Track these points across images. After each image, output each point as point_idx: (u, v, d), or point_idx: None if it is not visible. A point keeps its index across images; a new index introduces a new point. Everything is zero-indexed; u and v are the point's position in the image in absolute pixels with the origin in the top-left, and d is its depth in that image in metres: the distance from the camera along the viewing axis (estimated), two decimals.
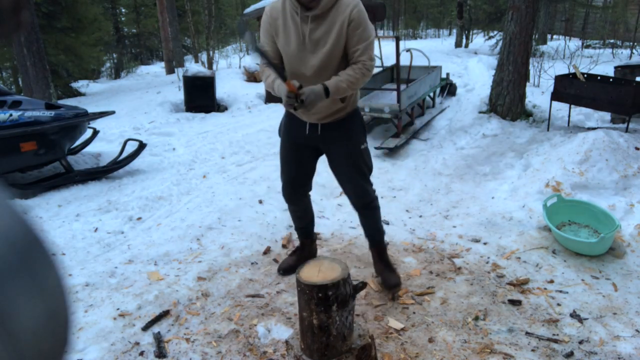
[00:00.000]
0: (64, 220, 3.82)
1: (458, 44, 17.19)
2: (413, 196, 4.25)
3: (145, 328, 2.45)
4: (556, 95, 5.74)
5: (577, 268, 2.94)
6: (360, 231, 3.52)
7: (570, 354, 2.20)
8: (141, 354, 2.27)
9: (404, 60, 6.22)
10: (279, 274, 2.93)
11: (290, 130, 2.57)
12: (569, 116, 6.08)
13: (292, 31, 2.27)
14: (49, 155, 4.52)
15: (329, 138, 2.47)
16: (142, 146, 5.05)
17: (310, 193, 2.85)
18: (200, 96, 8.07)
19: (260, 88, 9.34)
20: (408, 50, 6.47)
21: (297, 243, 3.37)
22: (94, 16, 12.44)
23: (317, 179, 4.57)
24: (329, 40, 2.22)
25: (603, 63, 9.38)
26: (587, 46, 15.02)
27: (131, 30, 22.91)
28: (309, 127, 2.46)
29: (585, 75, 5.62)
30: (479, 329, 2.40)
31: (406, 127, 6.19)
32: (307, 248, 3.02)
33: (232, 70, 12.40)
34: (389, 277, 2.73)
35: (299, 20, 2.23)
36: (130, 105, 8.50)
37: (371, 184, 2.66)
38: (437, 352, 2.24)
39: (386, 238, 3.41)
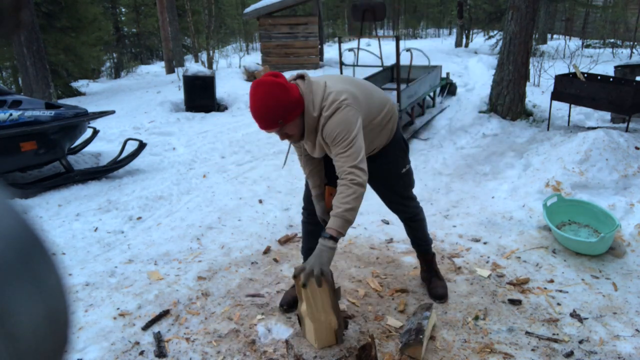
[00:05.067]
0: (64, 219, 3.82)
1: (458, 44, 17.18)
2: None
3: (145, 328, 2.45)
4: (556, 95, 5.73)
5: (577, 268, 2.94)
6: (360, 231, 3.53)
7: (570, 353, 2.20)
8: (141, 353, 2.27)
9: (404, 60, 6.22)
10: (282, 310, 2.58)
11: None
12: (569, 116, 6.08)
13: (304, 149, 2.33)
14: (49, 155, 4.52)
15: (371, 167, 2.28)
16: (142, 146, 5.05)
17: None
18: (200, 96, 8.07)
19: None
20: (408, 49, 6.46)
21: (297, 243, 3.37)
22: (93, 16, 12.44)
23: None
24: (321, 151, 2.21)
25: (603, 63, 9.38)
26: (587, 46, 15.02)
27: (131, 29, 22.91)
28: None
29: (585, 75, 5.62)
30: (479, 329, 2.40)
31: (406, 126, 6.19)
32: None
33: (232, 69, 12.41)
34: (435, 287, 2.68)
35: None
36: (130, 105, 8.50)
37: (412, 199, 2.61)
38: (437, 351, 2.24)
39: (386, 237, 3.42)
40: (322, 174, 2.43)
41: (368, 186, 2.24)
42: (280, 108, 1.96)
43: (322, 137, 2.08)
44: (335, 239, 2.00)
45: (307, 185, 2.55)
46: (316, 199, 2.42)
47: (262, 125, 2.01)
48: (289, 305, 2.57)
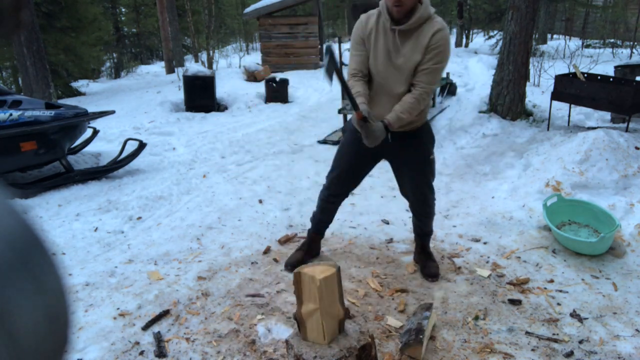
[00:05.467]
0: (64, 219, 3.82)
1: (458, 44, 17.19)
2: None
3: (145, 328, 2.45)
4: (556, 95, 5.74)
5: (577, 268, 2.94)
6: (360, 231, 3.53)
7: (570, 353, 2.20)
8: (141, 353, 2.27)
9: None
10: (286, 269, 2.90)
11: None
12: (569, 116, 6.08)
13: (381, 44, 2.38)
14: (49, 155, 4.52)
15: (400, 147, 2.52)
16: (142, 146, 5.05)
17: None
18: (200, 96, 8.07)
19: (260, 87, 9.34)
20: None
21: (297, 243, 3.37)
22: (93, 16, 12.45)
23: (317, 179, 4.59)
24: (411, 58, 2.33)
25: (603, 63, 9.38)
26: (587, 46, 15.02)
27: (131, 29, 22.92)
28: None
29: (585, 75, 5.62)
30: (479, 329, 2.40)
31: None
32: (315, 244, 3.05)
33: (232, 69, 12.41)
34: (429, 267, 2.87)
35: (389, 35, 2.34)
36: (130, 105, 8.50)
37: (433, 192, 2.76)
38: (437, 351, 2.24)
39: (386, 237, 3.43)
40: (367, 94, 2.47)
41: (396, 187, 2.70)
42: None
43: (429, 40, 2.26)
44: (387, 127, 2.32)
45: (340, 161, 2.65)
46: (362, 105, 2.35)
47: None
48: (293, 266, 2.79)
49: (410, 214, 2.97)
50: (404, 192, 2.81)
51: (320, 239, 3.08)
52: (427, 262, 2.91)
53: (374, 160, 2.69)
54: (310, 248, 3.02)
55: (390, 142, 2.38)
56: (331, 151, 5.54)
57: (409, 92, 2.38)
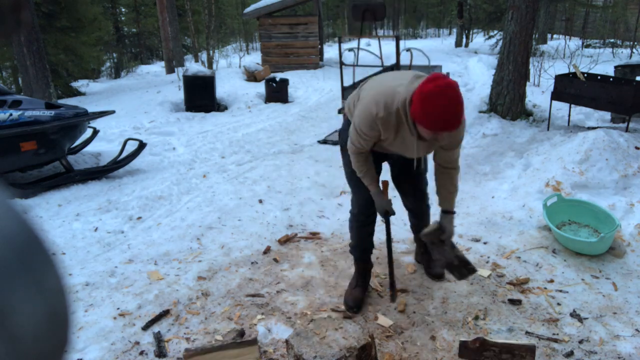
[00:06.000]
0: (64, 219, 3.82)
1: (458, 44, 17.19)
2: None
3: (145, 327, 2.45)
4: (556, 95, 5.73)
5: (577, 267, 2.94)
6: None
7: (570, 353, 2.20)
8: (141, 353, 2.27)
9: (404, 60, 6.22)
10: (352, 312, 2.59)
11: None
12: (569, 116, 6.08)
13: (399, 141, 2.25)
14: (49, 155, 4.52)
15: (405, 159, 2.54)
16: (142, 146, 5.05)
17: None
18: (200, 96, 8.07)
19: (260, 87, 9.34)
20: (408, 49, 6.46)
21: (297, 243, 3.37)
22: (93, 16, 12.44)
23: (317, 179, 4.59)
24: (432, 147, 2.36)
25: (603, 62, 9.37)
26: (587, 46, 15.02)
27: (131, 29, 22.91)
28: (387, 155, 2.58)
29: (585, 75, 5.62)
30: (479, 329, 2.40)
31: None
32: (369, 274, 2.80)
33: (232, 69, 12.41)
34: (434, 266, 2.86)
35: (410, 136, 2.19)
36: (130, 105, 8.50)
37: (428, 186, 2.84)
38: (437, 351, 2.24)
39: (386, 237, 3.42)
40: (374, 168, 2.47)
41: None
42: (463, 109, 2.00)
43: (453, 135, 2.20)
44: (453, 213, 2.45)
45: (362, 184, 2.49)
46: (376, 194, 2.45)
47: (453, 127, 1.94)
48: (359, 308, 2.61)
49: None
50: (404, 193, 2.81)
51: (372, 268, 2.84)
52: (431, 262, 2.90)
53: (381, 163, 2.68)
54: (365, 281, 2.76)
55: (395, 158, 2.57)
56: (331, 151, 5.54)
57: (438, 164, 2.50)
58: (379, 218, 2.63)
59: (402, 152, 2.35)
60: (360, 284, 2.71)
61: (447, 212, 2.44)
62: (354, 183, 2.55)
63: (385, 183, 2.56)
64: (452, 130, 1.96)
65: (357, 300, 2.63)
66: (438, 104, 1.86)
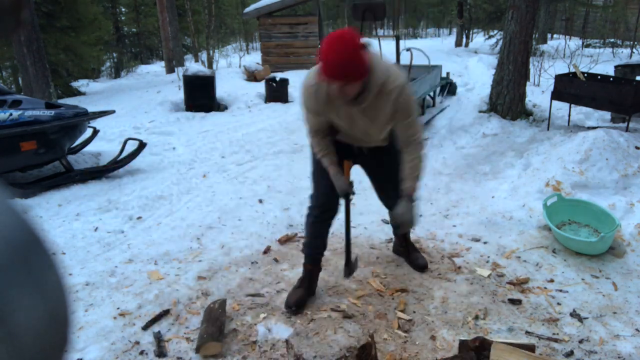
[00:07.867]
0: (64, 219, 3.82)
1: (458, 43, 17.19)
2: None
3: (145, 327, 2.45)
4: (556, 95, 5.73)
5: (577, 267, 2.94)
6: (360, 231, 3.53)
7: (570, 353, 2.20)
8: (141, 353, 2.27)
9: (404, 60, 6.22)
10: (290, 311, 2.53)
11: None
12: (569, 115, 6.08)
13: (342, 114, 2.24)
14: (49, 155, 4.52)
15: (373, 154, 2.53)
16: (142, 145, 5.05)
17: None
18: (200, 95, 8.06)
19: (260, 87, 9.34)
20: (408, 49, 6.46)
21: (297, 243, 3.37)
22: (93, 15, 12.44)
23: None
24: (378, 120, 2.24)
25: (603, 62, 9.37)
26: (587, 45, 15.01)
27: (131, 29, 22.90)
28: (357, 149, 2.53)
29: (586, 75, 5.62)
30: (479, 328, 2.40)
31: None
32: (315, 279, 2.71)
33: (232, 69, 12.41)
34: (417, 258, 2.94)
35: (347, 107, 2.18)
36: (130, 105, 8.50)
37: None
38: (437, 351, 2.24)
39: (386, 237, 3.43)
40: (335, 152, 2.42)
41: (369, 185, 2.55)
42: (360, 66, 1.95)
43: (392, 107, 2.14)
44: (412, 197, 2.31)
45: (321, 179, 2.47)
46: (336, 176, 2.39)
47: (339, 76, 1.93)
48: (299, 307, 2.54)
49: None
50: (382, 192, 2.75)
51: (319, 272, 2.74)
52: (412, 254, 2.98)
53: (349, 158, 2.61)
54: (310, 284, 2.66)
55: (365, 154, 2.52)
56: None
57: (393, 140, 2.38)
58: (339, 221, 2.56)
59: (356, 131, 2.32)
60: (305, 286, 2.62)
61: (403, 195, 2.30)
62: (315, 177, 2.55)
63: (347, 163, 2.46)
64: (347, 77, 1.93)
65: (298, 300, 2.55)
66: (331, 49, 1.90)
